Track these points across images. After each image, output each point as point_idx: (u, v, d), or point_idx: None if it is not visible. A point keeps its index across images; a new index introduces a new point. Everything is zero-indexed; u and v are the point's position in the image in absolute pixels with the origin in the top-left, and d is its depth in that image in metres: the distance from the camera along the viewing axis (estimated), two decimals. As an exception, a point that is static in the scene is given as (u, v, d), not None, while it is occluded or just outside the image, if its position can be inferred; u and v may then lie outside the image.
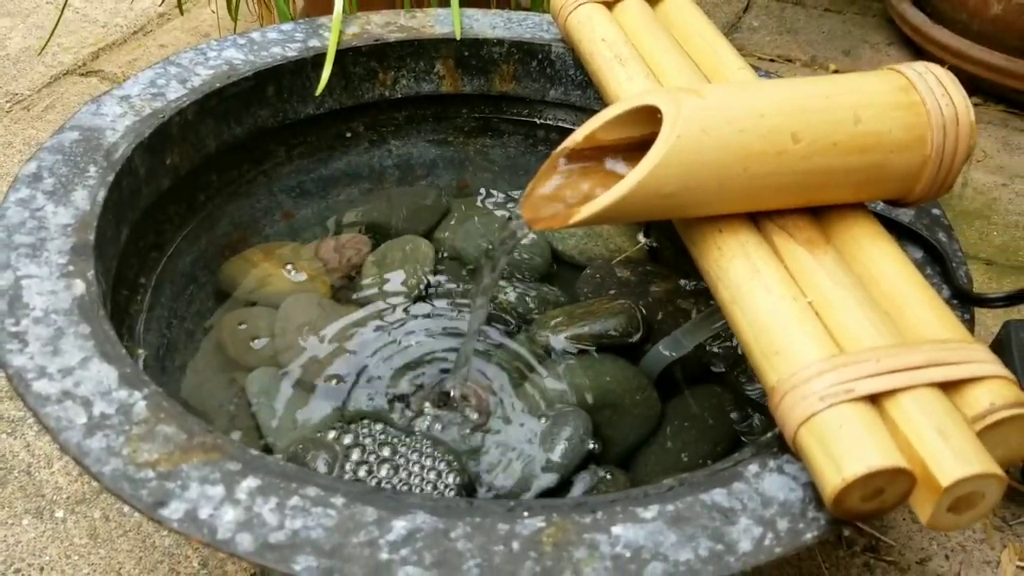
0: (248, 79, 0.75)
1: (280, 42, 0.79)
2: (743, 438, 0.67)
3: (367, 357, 0.71)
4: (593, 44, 0.74)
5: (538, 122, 0.89)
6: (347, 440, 0.63)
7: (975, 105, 1.22)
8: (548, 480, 0.62)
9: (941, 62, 1.24)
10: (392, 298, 0.76)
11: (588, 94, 0.85)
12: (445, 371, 0.71)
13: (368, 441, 0.64)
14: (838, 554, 0.72)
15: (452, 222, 0.84)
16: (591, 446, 0.65)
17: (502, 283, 0.77)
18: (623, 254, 0.80)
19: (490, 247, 0.62)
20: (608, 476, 0.64)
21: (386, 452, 0.63)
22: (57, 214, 0.59)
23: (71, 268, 0.55)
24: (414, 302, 0.76)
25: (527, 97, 0.87)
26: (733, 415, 0.69)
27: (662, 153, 0.50)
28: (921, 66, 0.55)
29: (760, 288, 0.51)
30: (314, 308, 0.75)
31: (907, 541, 0.72)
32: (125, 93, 0.70)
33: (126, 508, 0.73)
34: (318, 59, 0.79)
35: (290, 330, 0.73)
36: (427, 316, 0.75)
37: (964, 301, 0.59)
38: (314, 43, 0.80)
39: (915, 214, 0.66)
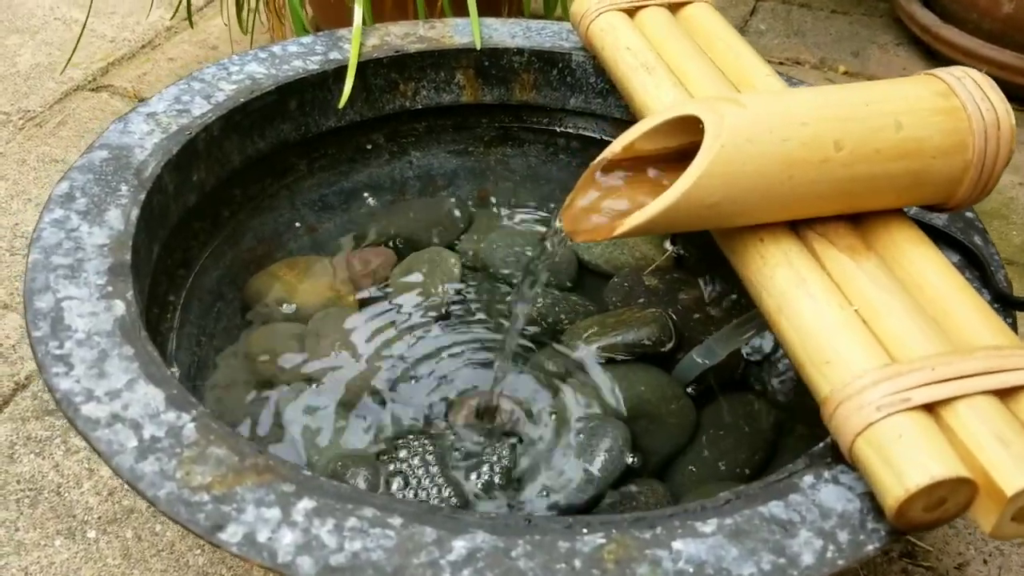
0: (271, 93, 0.75)
1: (301, 55, 0.79)
2: (784, 446, 0.67)
3: (400, 371, 0.71)
4: (617, 52, 0.73)
5: (558, 130, 0.88)
6: (386, 457, 0.63)
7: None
8: (588, 493, 0.62)
9: (952, 62, 1.25)
10: (420, 311, 0.76)
11: (609, 102, 0.85)
12: (478, 384, 0.70)
13: (405, 455, 0.64)
14: (875, 560, 0.71)
15: (476, 233, 0.84)
16: (630, 460, 0.64)
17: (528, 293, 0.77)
18: (651, 263, 0.79)
19: (531, 259, 0.62)
20: (638, 492, 0.63)
21: (423, 469, 0.63)
22: (92, 234, 0.58)
23: (110, 289, 0.55)
24: (442, 314, 0.76)
25: (547, 106, 0.87)
26: (769, 423, 0.69)
27: (706, 163, 0.50)
28: (959, 71, 0.55)
29: (806, 296, 0.51)
30: (343, 322, 0.75)
31: (944, 546, 0.72)
32: (151, 110, 0.69)
33: (158, 527, 0.72)
34: (339, 72, 0.79)
35: (321, 345, 0.72)
36: (456, 328, 0.75)
37: (1006, 305, 0.58)
38: (335, 56, 0.80)
39: (949, 218, 0.65)
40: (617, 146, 0.56)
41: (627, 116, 0.85)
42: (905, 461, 0.43)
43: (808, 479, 0.48)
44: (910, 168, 0.53)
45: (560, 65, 0.84)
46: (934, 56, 1.30)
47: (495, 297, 0.78)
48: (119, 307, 0.54)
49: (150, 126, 0.68)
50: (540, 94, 0.86)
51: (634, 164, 0.56)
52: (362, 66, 0.80)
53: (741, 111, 0.51)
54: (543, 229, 0.84)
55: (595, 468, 0.63)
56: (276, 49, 0.79)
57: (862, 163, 0.52)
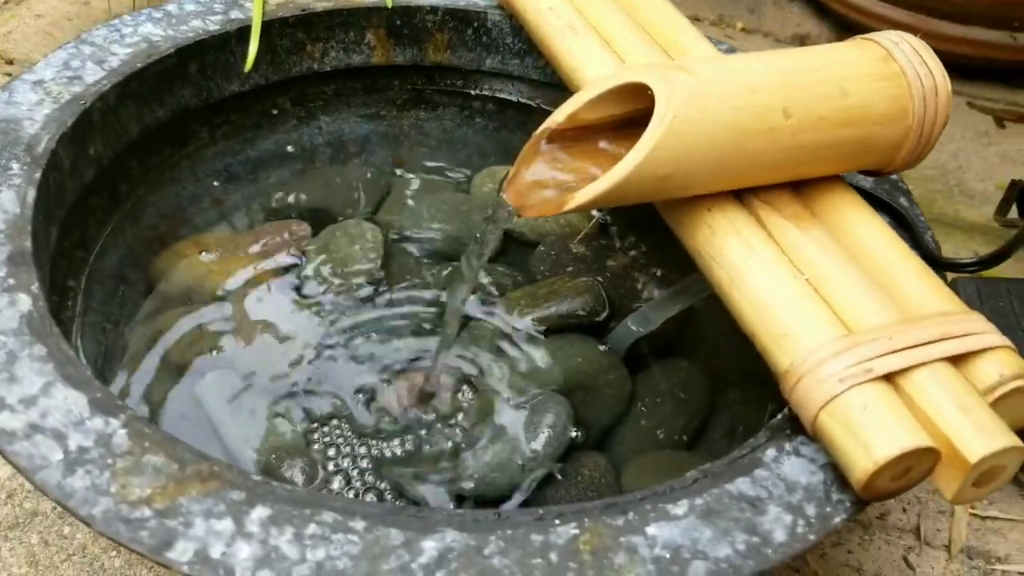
0: (170, 57, 0.69)
1: (199, 14, 0.73)
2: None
3: (325, 352, 0.68)
4: (539, 13, 0.71)
5: (473, 93, 0.85)
6: (319, 446, 0.60)
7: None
8: (534, 472, 0.61)
9: (845, 19, 1.27)
10: (342, 287, 0.72)
11: (526, 63, 0.82)
12: (407, 364, 0.68)
13: (341, 443, 0.61)
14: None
15: (394, 203, 0.80)
16: (574, 434, 0.63)
17: (451, 265, 0.75)
18: (577, 231, 0.78)
19: (476, 235, 0.60)
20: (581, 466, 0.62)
21: (363, 455, 0.60)
22: (-16, 221, 0.52)
23: (11, 281, 0.50)
24: (368, 290, 0.73)
25: (462, 67, 0.83)
26: (702, 388, 0.69)
27: (658, 134, 0.48)
28: (895, 35, 0.55)
29: (758, 267, 0.51)
30: (259, 302, 0.70)
31: (868, 497, 0.74)
32: (38, 78, 0.63)
33: (66, 529, 0.67)
34: (242, 32, 0.74)
35: (237, 327, 0.68)
36: (382, 304, 0.72)
37: (936, 267, 0.59)
38: (236, 15, 0.74)
39: (874, 180, 0.66)
40: (560, 115, 0.54)
41: (545, 78, 0.82)
42: (872, 433, 0.43)
43: (771, 452, 0.47)
44: (855, 135, 0.53)
45: (475, 24, 0.81)
46: (827, 13, 1.32)
47: (420, 270, 0.75)
48: (24, 301, 0.49)
49: (38, 95, 0.61)
50: (455, 55, 0.82)
51: (578, 133, 0.54)
52: (266, 26, 0.74)
53: (691, 79, 0.50)
54: (462, 195, 0.82)
55: (539, 445, 0.62)
56: (172, 8, 0.73)
57: (809, 131, 0.51)
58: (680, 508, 0.44)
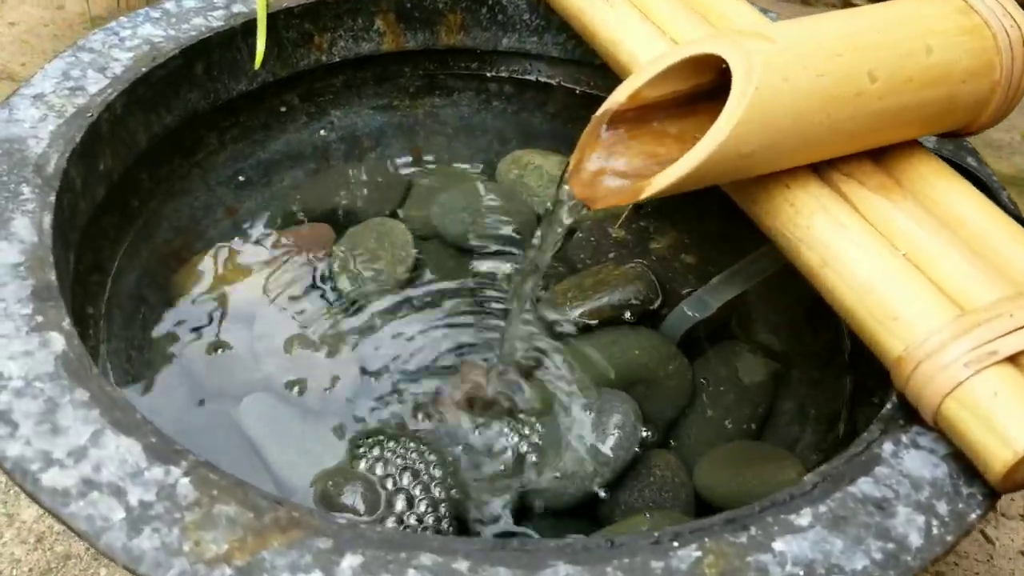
0: (175, 58, 0.64)
1: (200, 11, 0.68)
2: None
3: (369, 363, 0.63)
4: (569, -15, 0.66)
5: (490, 75, 0.81)
6: (374, 464, 0.55)
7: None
8: (605, 477, 0.57)
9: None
10: (376, 291, 0.68)
11: (545, 40, 0.78)
12: (456, 366, 0.64)
13: (396, 458, 0.57)
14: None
15: (417, 197, 0.76)
16: (644, 433, 0.59)
17: (492, 261, 0.70)
18: (614, 214, 0.74)
19: (539, 231, 0.55)
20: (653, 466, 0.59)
21: (422, 470, 0.56)
22: (1, 251, 0.47)
23: (40, 319, 0.45)
24: (404, 292, 0.68)
25: (477, 48, 0.79)
26: (766, 373, 0.65)
27: (742, 109, 0.44)
28: (975, -16, 0.51)
29: (853, 246, 0.47)
30: (289, 315, 0.66)
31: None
32: (37, 91, 0.58)
33: (103, 571, 0.63)
34: (248, 27, 0.69)
35: (272, 346, 0.63)
36: (422, 307, 0.67)
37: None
38: (239, 8, 0.69)
39: (936, 141, 0.62)
40: (621, 95, 0.49)
41: (565, 55, 0.78)
42: (1008, 421, 0.40)
43: (888, 447, 0.44)
44: (941, 95, 0.49)
45: (490, 2, 0.76)
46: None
47: (457, 267, 0.70)
48: (56, 341, 0.44)
49: (41, 110, 0.56)
50: (469, 36, 0.78)
51: (640, 114, 0.50)
52: (272, 18, 0.69)
53: (769, 46, 0.46)
54: (490, 184, 0.77)
55: (608, 448, 0.58)
56: (170, 6, 0.67)
57: (895, 94, 0.48)
58: (804, 518, 0.41)
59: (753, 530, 0.40)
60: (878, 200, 0.49)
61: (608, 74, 0.77)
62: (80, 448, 0.40)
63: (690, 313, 0.65)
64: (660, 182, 0.46)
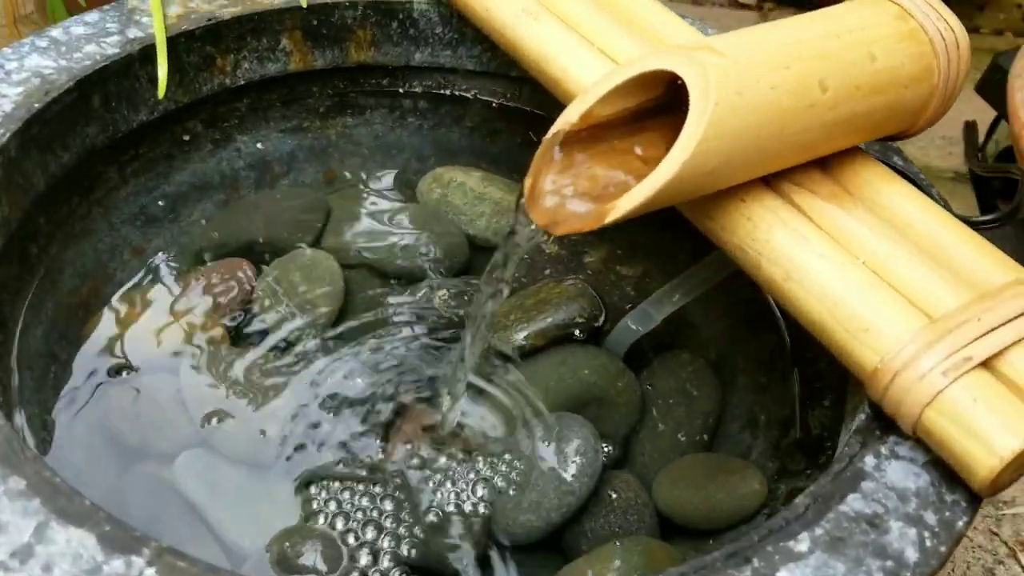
0: (70, 91, 0.59)
1: (91, 37, 0.63)
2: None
3: (306, 405, 0.60)
4: (488, 0, 0.64)
5: (402, 91, 0.78)
6: (339, 523, 0.52)
7: (769, 10, 1.24)
8: (571, 506, 0.55)
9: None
10: (305, 327, 0.64)
11: (459, 53, 0.75)
12: (403, 406, 0.61)
13: (351, 508, 0.54)
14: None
15: (339, 224, 0.72)
16: (604, 458, 0.58)
17: (424, 285, 0.68)
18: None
19: (493, 260, 0.53)
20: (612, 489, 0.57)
21: (378, 519, 0.53)
22: (-100, 328, 0.42)
23: (-46, 401, 0.40)
24: (333, 326, 0.65)
25: (388, 64, 0.75)
26: (712, 382, 0.65)
27: (703, 126, 0.43)
28: (902, -11, 0.51)
29: (816, 257, 0.46)
30: (217, 361, 0.62)
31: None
32: (-82, 136, 0.52)
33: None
34: (146, 52, 0.64)
35: (199, 396, 0.59)
36: (356, 340, 0.64)
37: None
38: (134, 33, 0.64)
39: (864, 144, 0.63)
40: (573, 115, 0.48)
41: (481, 67, 0.76)
42: (990, 428, 0.40)
43: (870, 460, 0.44)
44: (886, 101, 0.49)
45: (400, 16, 0.73)
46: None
47: (388, 295, 0.67)
48: (-23, 424, 0.39)
49: (-75, 159, 0.51)
50: (380, 52, 0.75)
51: (592, 133, 0.49)
52: (172, 42, 0.65)
53: (721, 60, 0.45)
54: (412, 206, 0.74)
55: (570, 476, 0.56)
56: (57, 33, 0.62)
57: (845, 103, 0.47)
58: (803, 543, 0.40)
59: (756, 562, 0.39)
60: (832, 209, 0.49)
61: (526, 86, 0.76)
62: (25, 546, 0.35)
63: (634, 327, 0.64)
64: (625, 205, 0.44)
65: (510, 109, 0.78)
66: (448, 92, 0.78)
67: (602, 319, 0.65)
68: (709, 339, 0.68)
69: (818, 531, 0.40)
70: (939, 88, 0.50)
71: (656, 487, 0.59)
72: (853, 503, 0.42)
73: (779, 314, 0.66)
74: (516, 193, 0.48)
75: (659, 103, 0.49)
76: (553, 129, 0.48)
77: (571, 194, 0.47)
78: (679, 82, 0.45)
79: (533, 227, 0.47)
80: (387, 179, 0.77)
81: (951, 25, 0.50)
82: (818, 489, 0.42)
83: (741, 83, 0.44)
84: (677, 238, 0.66)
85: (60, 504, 0.37)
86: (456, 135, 0.79)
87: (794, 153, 0.48)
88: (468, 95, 0.78)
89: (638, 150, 0.48)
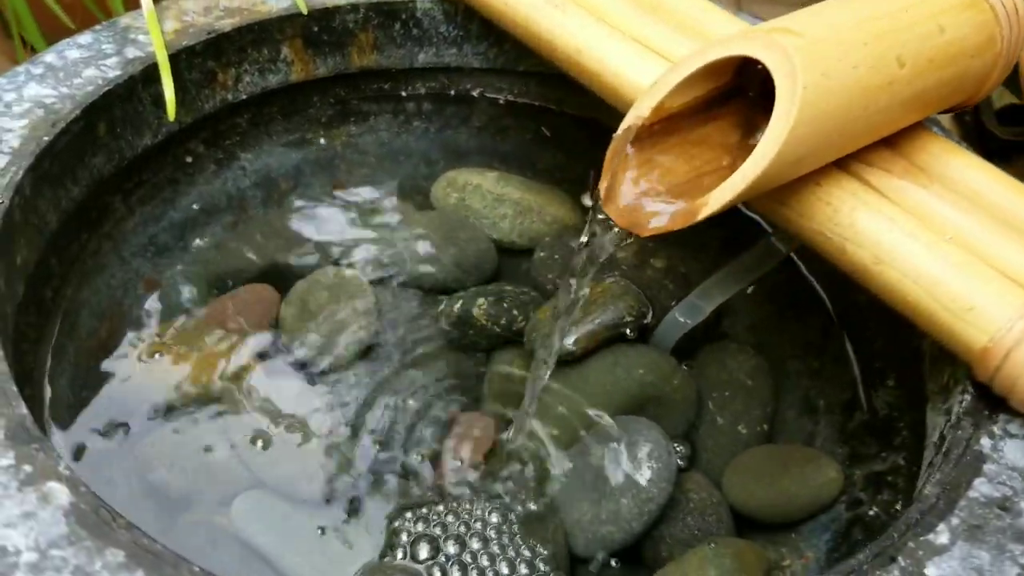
0: (77, 120, 0.55)
1: (89, 61, 0.58)
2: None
3: (356, 434, 0.57)
4: (507, -8, 0.61)
5: (405, 94, 0.75)
6: (423, 551, 0.49)
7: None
8: (650, 514, 0.53)
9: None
10: (340, 352, 0.61)
11: (465, 51, 0.72)
12: (457, 424, 0.58)
13: (434, 534, 0.51)
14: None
15: (362, 238, 0.69)
16: (680, 461, 0.56)
17: (459, 296, 0.65)
18: (567, 225, 0.70)
19: (571, 267, 0.51)
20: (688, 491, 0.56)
21: (471, 548, 0.50)
22: (-49, 395, 0.38)
23: (28, 469, 0.36)
24: (370, 349, 0.62)
25: (391, 68, 0.72)
26: (765, 369, 0.63)
27: (794, 111, 0.41)
28: (958, -43, 0.50)
29: (905, 238, 0.45)
30: (253, 396, 0.58)
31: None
32: (-73, 181, 0.47)
33: None
34: (148, 73, 0.60)
35: (241, 436, 0.56)
36: (395, 361, 0.61)
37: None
38: (133, 53, 0.60)
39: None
40: (644, 108, 0.45)
41: (487, 64, 0.73)
42: (1118, 397, 0.39)
43: (987, 442, 0.43)
44: (957, 72, 0.48)
45: (403, 17, 0.70)
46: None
47: (424, 311, 0.64)
48: (59, 492, 0.36)
49: (-61, 206, 0.46)
50: (383, 55, 0.71)
51: (664, 126, 0.46)
52: (173, 59, 0.61)
53: (800, 41, 0.43)
54: (431, 213, 0.71)
55: (646, 482, 0.54)
56: (51, 59, 0.58)
57: (921, 77, 0.46)
58: (943, 535, 0.39)
59: (902, 560, 0.37)
60: (909, 187, 0.48)
61: (533, 80, 0.74)
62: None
63: (682, 320, 0.62)
64: (718, 199, 0.42)
65: (518, 105, 0.75)
66: (453, 92, 0.75)
67: (650, 315, 0.63)
68: (752, 326, 0.66)
69: (955, 521, 0.39)
70: (1002, 55, 0.49)
71: (726, 484, 0.58)
72: (981, 488, 0.40)
73: (824, 295, 0.65)
74: (590, 193, 0.46)
75: (728, 89, 0.47)
76: (624, 124, 0.46)
77: (651, 192, 0.45)
78: (758, 66, 0.43)
79: (616, 230, 0.44)
80: (399, 186, 0.74)
81: (1008, -10, 0.49)
82: (944, 478, 0.41)
83: (826, 64, 0.43)
84: (707, 227, 0.64)
85: (166, 573, 0.34)
86: (464, 136, 0.76)
87: (875, 132, 0.47)
88: (474, 94, 0.75)
89: (713, 140, 0.47)
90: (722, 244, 0.69)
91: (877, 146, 0.49)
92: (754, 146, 0.42)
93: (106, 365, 0.58)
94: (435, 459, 0.56)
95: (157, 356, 0.59)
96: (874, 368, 0.60)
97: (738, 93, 0.48)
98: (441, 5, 0.70)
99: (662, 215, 0.44)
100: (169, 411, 0.56)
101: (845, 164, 0.48)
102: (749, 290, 0.65)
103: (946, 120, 0.83)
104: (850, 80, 0.43)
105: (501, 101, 0.75)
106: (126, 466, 0.54)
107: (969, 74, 0.49)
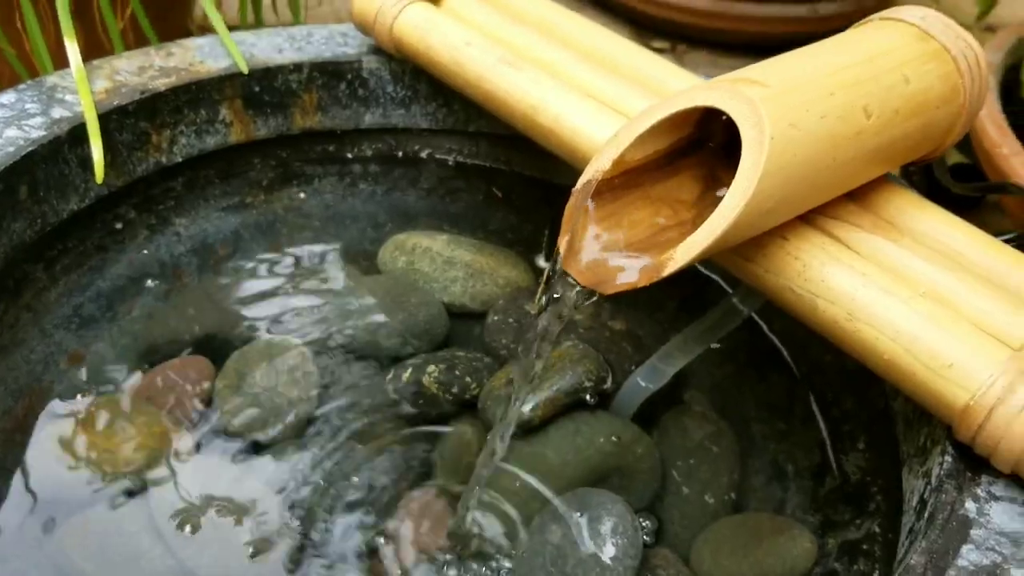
0: (-5, 183, 0.51)
1: (11, 120, 0.55)
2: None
3: (298, 514, 0.53)
4: (458, 51, 0.60)
5: (351, 156, 0.72)
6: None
7: (683, 52, 1.25)
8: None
9: (644, 14, 1.25)
10: (280, 425, 0.57)
11: (412, 111, 0.70)
12: (406, 503, 0.54)
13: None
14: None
15: (303, 305, 0.65)
16: (646, 538, 0.53)
17: (408, 364, 0.61)
18: (518, 287, 0.67)
19: (529, 331, 0.48)
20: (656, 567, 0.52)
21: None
22: None
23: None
24: (311, 422, 0.58)
25: (336, 129, 0.70)
26: (730, 435, 0.61)
27: (761, 163, 0.40)
28: (914, 10, 0.50)
29: (880, 294, 0.43)
30: (186, 477, 0.54)
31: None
32: None
33: None
34: (75, 133, 0.56)
35: (173, 519, 0.51)
36: (339, 435, 0.57)
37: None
38: (59, 112, 0.57)
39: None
40: (606, 160, 0.43)
41: (435, 124, 0.71)
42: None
43: (971, 505, 0.40)
44: (920, 124, 0.47)
45: (349, 77, 0.68)
46: (615, 11, 1.29)
47: (370, 381, 0.61)
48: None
49: None
50: (327, 116, 0.69)
51: (625, 180, 0.44)
52: (104, 120, 0.58)
53: (766, 91, 0.41)
54: (363, 279, 0.68)
55: (610, 559, 0.51)
56: (-32, 117, 0.54)
57: (888, 128, 0.45)
58: (940, 610, 0.36)
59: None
60: (879, 241, 0.46)
61: (483, 140, 0.72)
62: None
63: (644, 384, 0.60)
64: (686, 253, 0.40)
65: (468, 166, 0.73)
66: (401, 153, 0.73)
67: (609, 380, 0.61)
68: (714, 387, 0.64)
69: (950, 596, 0.36)
70: (965, 107, 0.48)
71: (695, 558, 0.54)
72: (969, 555, 0.38)
73: (787, 355, 0.63)
74: (546, 253, 0.43)
75: (689, 143, 0.46)
76: (584, 177, 0.43)
77: (612, 247, 0.42)
78: (722, 118, 0.41)
79: (578, 289, 0.42)
80: (344, 251, 0.70)
81: (970, 43, 0.49)
82: (930, 546, 0.38)
83: (793, 115, 0.41)
84: (663, 287, 0.62)
85: None
86: (412, 198, 0.74)
87: (841, 184, 0.46)
88: (423, 155, 0.73)
89: (674, 195, 0.44)
90: (679, 305, 0.67)
91: (843, 199, 0.48)
92: (719, 200, 0.40)
93: (21, 447, 0.53)
94: (381, 541, 0.52)
95: (79, 436, 0.54)
96: (843, 431, 0.58)
97: (699, 147, 0.46)
98: (388, 65, 0.68)
99: (629, 271, 0.41)
100: (91, 496, 0.52)
101: (812, 219, 0.47)
102: (711, 349, 0.63)
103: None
104: (818, 130, 0.42)
105: (450, 162, 0.73)
106: (41, 559, 0.49)
107: (934, 125, 0.48)
